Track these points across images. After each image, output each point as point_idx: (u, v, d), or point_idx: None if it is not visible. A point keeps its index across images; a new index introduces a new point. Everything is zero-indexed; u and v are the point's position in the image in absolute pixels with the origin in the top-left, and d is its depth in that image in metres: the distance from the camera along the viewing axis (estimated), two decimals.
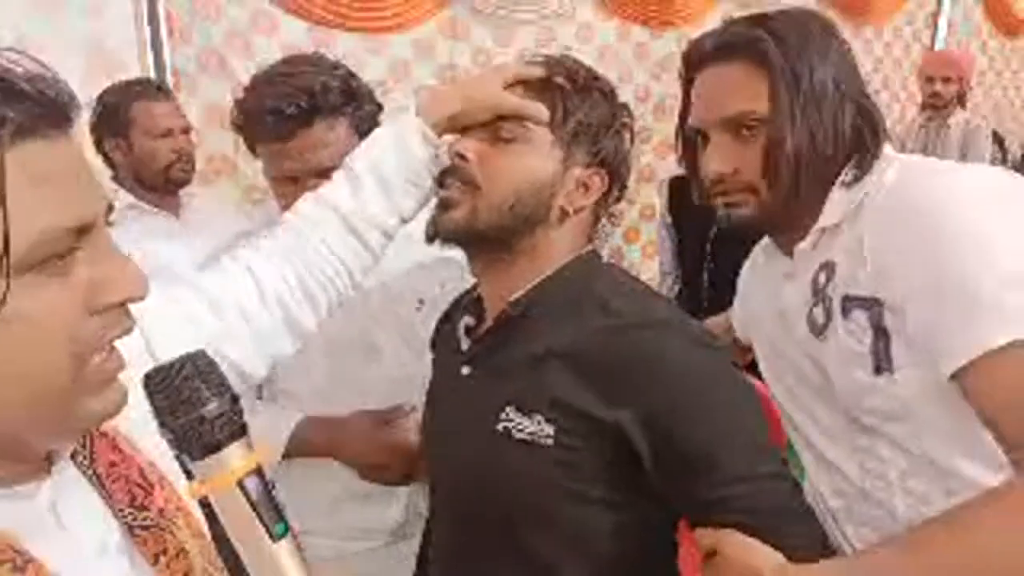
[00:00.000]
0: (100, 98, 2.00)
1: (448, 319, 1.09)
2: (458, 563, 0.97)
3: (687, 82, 0.99)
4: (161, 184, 2.04)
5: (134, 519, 0.59)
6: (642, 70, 3.58)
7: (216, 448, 0.53)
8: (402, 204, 0.95)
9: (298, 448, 1.23)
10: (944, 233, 0.80)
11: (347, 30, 2.63)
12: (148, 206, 2.05)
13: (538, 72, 0.91)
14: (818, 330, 0.94)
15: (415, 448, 1.24)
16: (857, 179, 0.91)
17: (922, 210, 0.83)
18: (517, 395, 0.87)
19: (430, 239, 0.92)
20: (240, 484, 0.54)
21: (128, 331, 0.53)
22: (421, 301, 1.31)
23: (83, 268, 0.49)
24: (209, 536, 0.62)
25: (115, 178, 2.05)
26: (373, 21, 2.83)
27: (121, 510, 0.59)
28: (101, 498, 0.58)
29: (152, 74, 2.53)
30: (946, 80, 3.35)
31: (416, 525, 1.33)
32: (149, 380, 0.54)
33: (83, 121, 0.51)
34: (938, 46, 4.63)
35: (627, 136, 0.95)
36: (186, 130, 2.09)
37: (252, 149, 1.24)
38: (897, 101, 4.67)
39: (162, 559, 0.60)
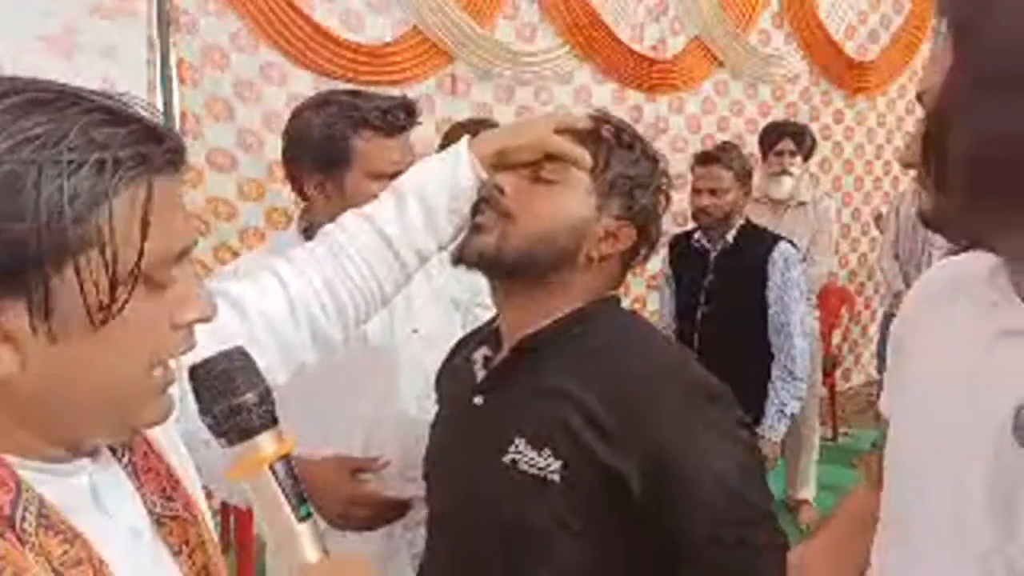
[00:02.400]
0: None
1: (456, 354, 1.13)
2: None
3: None
4: None
5: (163, 509, 0.64)
6: None
7: (251, 434, 0.60)
8: (442, 229, 0.99)
9: None
10: None
11: (349, 82, 2.76)
12: None
13: (586, 123, 0.96)
14: None
15: (380, 499, 1.31)
16: None
17: None
18: (528, 428, 0.90)
19: (456, 262, 0.95)
20: (272, 468, 0.61)
21: (192, 348, 0.60)
22: (415, 331, 1.40)
23: (173, 288, 0.56)
24: (217, 541, 0.70)
25: None
26: (376, 75, 2.96)
27: (152, 499, 0.63)
28: (134, 487, 0.63)
29: (161, 116, 2.65)
30: None
31: (400, 552, 1.38)
32: (195, 371, 0.61)
33: None
34: None
35: (662, 198, 0.99)
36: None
37: (340, 157, 1.32)
38: (888, 173, 4.81)
39: (185, 549, 0.64)
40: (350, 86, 2.94)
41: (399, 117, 1.31)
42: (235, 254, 2.78)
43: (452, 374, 1.11)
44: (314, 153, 1.33)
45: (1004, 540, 0.67)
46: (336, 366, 1.27)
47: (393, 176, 1.26)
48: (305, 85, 2.87)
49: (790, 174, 3.15)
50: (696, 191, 2.55)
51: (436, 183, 0.98)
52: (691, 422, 0.85)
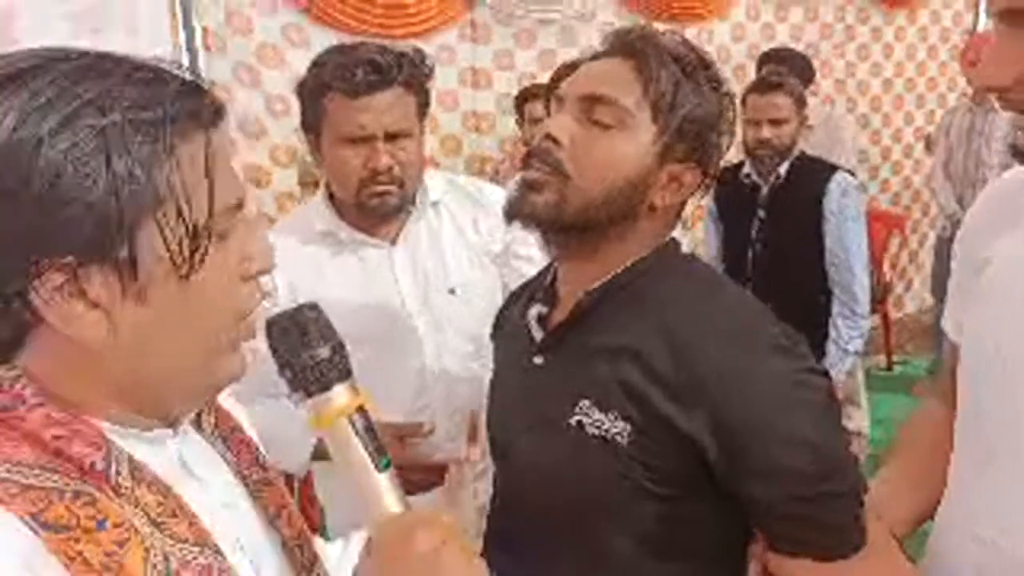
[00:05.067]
0: None
1: (508, 310, 1.13)
2: (524, 555, 0.98)
3: None
4: None
5: (256, 477, 0.67)
6: None
7: (329, 386, 0.63)
8: None
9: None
10: None
11: (373, 37, 2.80)
12: None
13: None
14: None
15: (429, 463, 1.36)
16: None
17: None
18: (593, 389, 0.88)
19: (509, 219, 0.91)
20: (350, 419, 0.64)
21: (263, 299, 0.62)
22: (452, 290, 1.43)
23: (235, 240, 0.58)
24: None
25: None
26: (398, 28, 3.00)
27: (245, 468, 0.66)
28: (223, 458, 0.66)
29: None
30: None
31: (465, 505, 1.44)
32: (272, 325, 0.64)
33: None
34: (981, 29, 4.63)
35: (729, 134, 0.92)
36: None
37: (315, 121, 1.31)
38: (934, 89, 4.70)
39: (283, 513, 0.67)
40: (371, 42, 3.00)
41: (356, 76, 1.25)
42: (272, 221, 2.88)
43: (506, 334, 1.09)
44: (302, 115, 1.34)
45: None
46: (374, 334, 1.32)
47: (365, 140, 1.27)
48: (328, 44, 2.93)
49: None
50: (754, 123, 2.44)
51: None
52: (763, 382, 0.82)
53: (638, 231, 0.90)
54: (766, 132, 2.43)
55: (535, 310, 0.98)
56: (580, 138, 0.87)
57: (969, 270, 0.89)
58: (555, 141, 0.87)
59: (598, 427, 0.87)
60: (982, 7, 4.69)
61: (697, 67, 0.89)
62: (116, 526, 0.52)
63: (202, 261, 0.55)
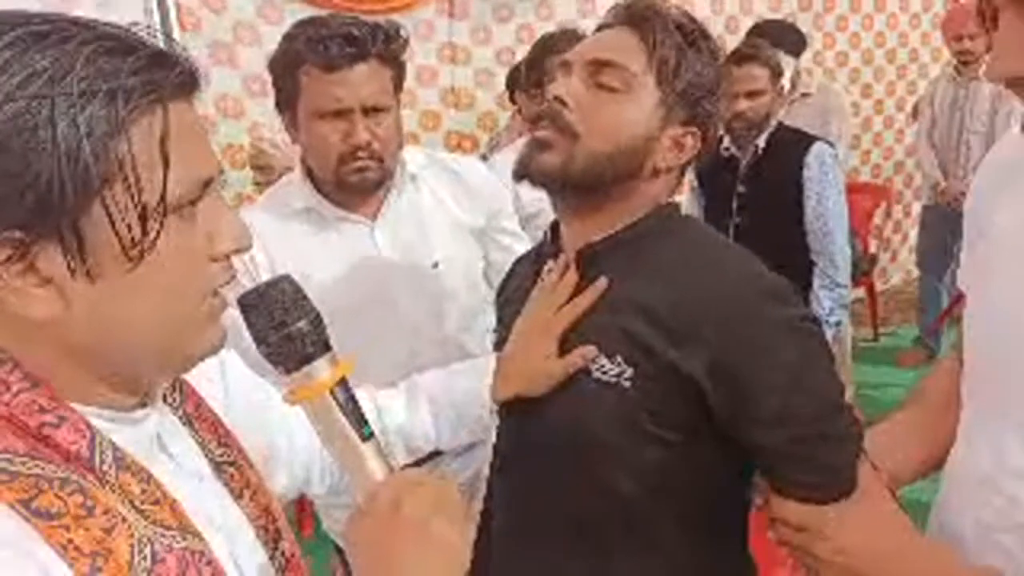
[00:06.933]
0: None
1: (512, 276, 1.18)
2: (532, 500, 1.02)
3: None
4: None
5: (220, 456, 0.68)
6: None
7: (308, 360, 0.63)
8: (441, 437, 1.07)
9: None
10: None
11: (347, 11, 2.82)
12: None
13: None
14: None
15: None
16: None
17: None
18: (598, 336, 0.93)
19: (519, 178, 0.96)
20: (331, 391, 0.64)
21: (231, 280, 0.61)
22: (435, 264, 1.45)
23: (203, 218, 0.57)
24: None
25: None
26: (375, 3, 3.02)
27: (209, 446, 0.67)
28: (191, 435, 0.67)
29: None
30: (973, 36, 3.41)
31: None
32: (245, 299, 0.64)
33: None
34: None
35: (725, 100, 0.99)
36: None
37: (290, 97, 1.32)
38: (915, 59, 4.76)
39: (246, 492, 0.68)
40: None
41: (331, 49, 1.25)
42: (252, 201, 2.89)
43: (512, 296, 1.13)
44: (276, 92, 1.35)
45: None
46: (360, 308, 1.33)
47: (342, 115, 1.28)
48: None
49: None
50: (730, 95, 2.45)
51: (453, 406, 1.07)
52: (760, 327, 0.87)
53: (640, 192, 0.96)
54: (742, 104, 2.45)
55: (548, 267, 1.03)
56: (587, 101, 0.92)
57: (974, 235, 0.92)
58: (563, 103, 0.93)
59: (603, 371, 0.92)
60: None
61: (698, 37, 0.95)
62: (104, 513, 0.53)
63: (153, 243, 0.53)
